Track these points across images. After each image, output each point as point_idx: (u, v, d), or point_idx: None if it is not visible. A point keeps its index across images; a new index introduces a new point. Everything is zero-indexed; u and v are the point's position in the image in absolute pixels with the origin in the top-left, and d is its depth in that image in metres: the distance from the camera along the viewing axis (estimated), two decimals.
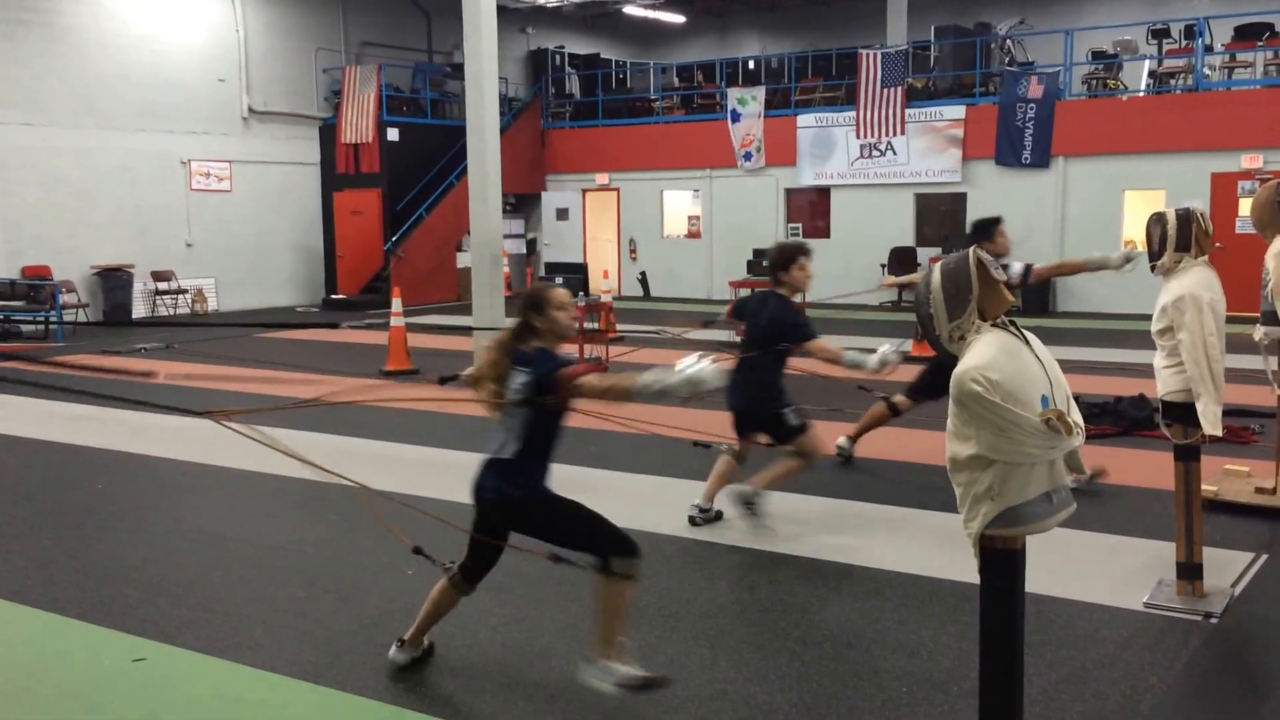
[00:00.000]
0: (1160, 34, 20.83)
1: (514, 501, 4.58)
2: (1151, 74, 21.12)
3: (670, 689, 4.75)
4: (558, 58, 28.51)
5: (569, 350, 10.74)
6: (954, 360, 3.45)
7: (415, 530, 5.49)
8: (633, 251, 25.92)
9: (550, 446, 4.63)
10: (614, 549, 4.46)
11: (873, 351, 6.64)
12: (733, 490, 7.12)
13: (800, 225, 23.73)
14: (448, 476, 8.35)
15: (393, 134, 23.80)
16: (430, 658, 5.05)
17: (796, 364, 7.17)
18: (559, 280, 12.89)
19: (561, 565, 4.66)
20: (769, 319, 6.92)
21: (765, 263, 7.12)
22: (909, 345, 6.75)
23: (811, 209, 23.79)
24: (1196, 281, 5.48)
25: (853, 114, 22.32)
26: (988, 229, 8.21)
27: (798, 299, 7.19)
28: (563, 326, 4.61)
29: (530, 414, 4.49)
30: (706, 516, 7.21)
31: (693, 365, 4.14)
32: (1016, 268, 7.94)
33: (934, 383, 7.37)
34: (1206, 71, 20.41)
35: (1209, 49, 20.33)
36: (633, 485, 8.24)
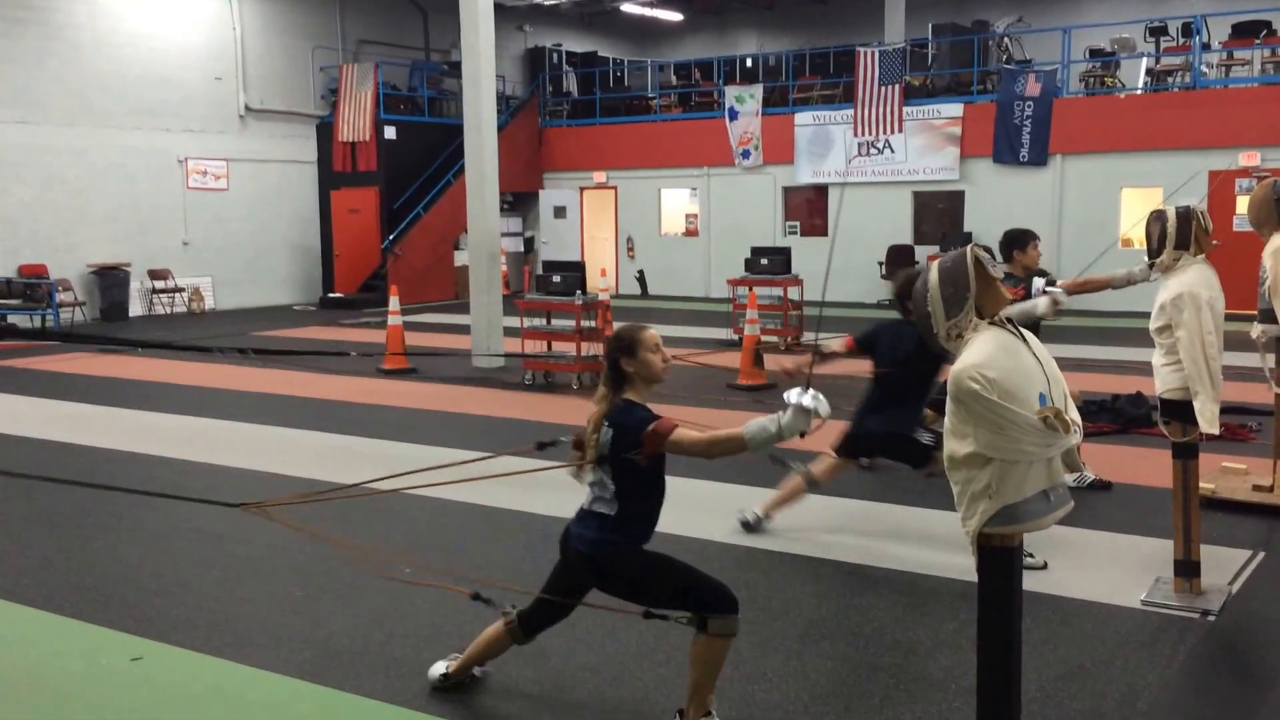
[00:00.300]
0: (1158, 32, 20.84)
1: (605, 557, 4.33)
2: (1149, 72, 21.13)
3: (668, 686, 4.75)
4: (555, 56, 28.51)
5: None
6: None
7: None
8: (630, 250, 25.91)
9: (644, 503, 4.38)
10: (712, 607, 4.24)
11: None
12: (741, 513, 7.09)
13: (798, 223, 23.76)
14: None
15: (390, 132, 23.78)
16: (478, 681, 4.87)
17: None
18: (555, 279, 12.88)
19: (654, 619, 4.39)
20: (911, 348, 6.35)
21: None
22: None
23: (809, 207, 23.80)
24: (1195, 279, 5.49)
25: (850, 112, 22.33)
26: (1023, 242, 7.80)
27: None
28: (656, 370, 4.33)
29: (620, 471, 4.27)
30: (757, 528, 6.99)
31: (802, 396, 3.95)
32: (1039, 283, 7.39)
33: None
34: (1204, 69, 20.42)
35: (1206, 47, 20.34)
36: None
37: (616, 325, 4.41)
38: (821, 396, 3.96)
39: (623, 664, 5.02)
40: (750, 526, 7.03)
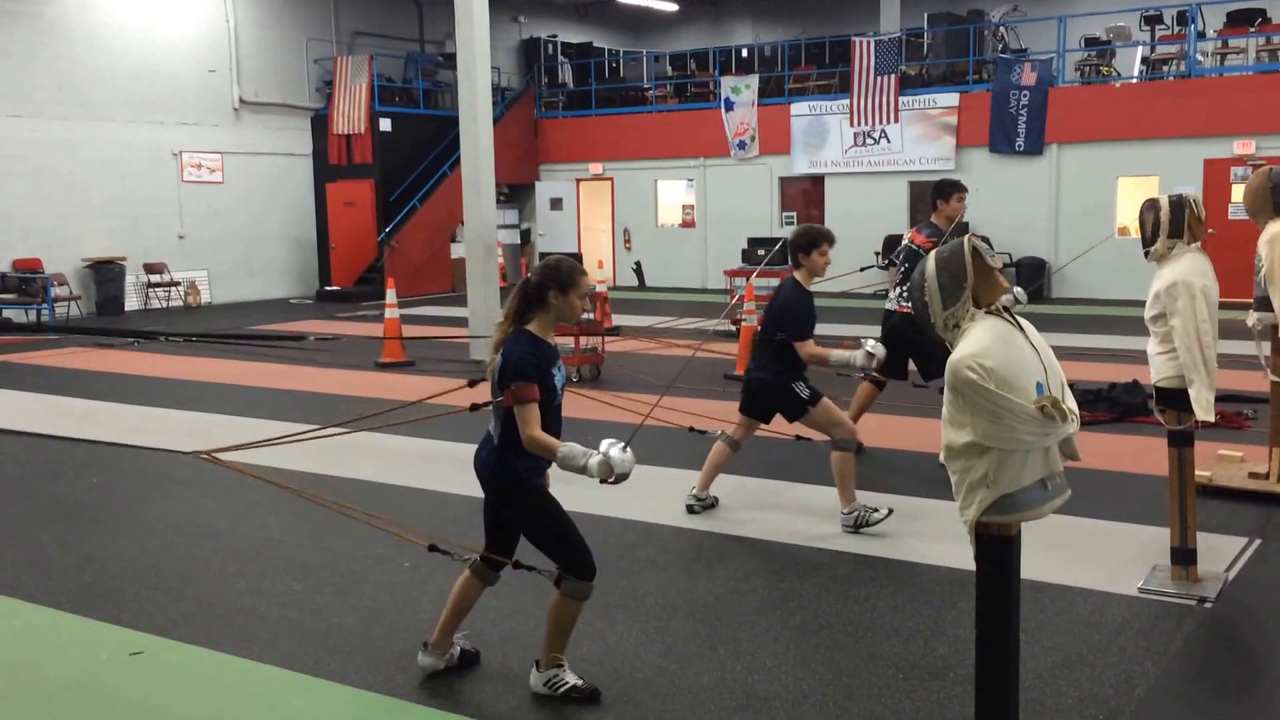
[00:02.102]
0: (1153, 20, 20.84)
1: (498, 486, 4.57)
2: (1144, 60, 21.14)
3: (668, 677, 4.76)
4: (550, 47, 28.47)
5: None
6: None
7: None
8: (627, 241, 25.90)
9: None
10: (573, 568, 4.47)
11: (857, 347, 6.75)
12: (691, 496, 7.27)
13: (795, 213, 23.75)
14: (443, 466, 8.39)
15: (385, 124, 23.75)
16: (476, 664, 4.94)
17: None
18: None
19: (522, 570, 4.65)
20: (779, 305, 6.94)
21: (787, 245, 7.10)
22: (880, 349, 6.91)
23: (805, 197, 23.80)
24: (1189, 268, 5.49)
25: (846, 102, 22.32)
26: (947, 192, 8.56)
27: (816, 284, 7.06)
28: (575, 314, 4.56)
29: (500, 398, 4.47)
30: (704, 504, 7.26)
31: (612, 448, 4.23)
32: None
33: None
34: (1199, 58, 20.42)
35: (1201, 35, 20.35)
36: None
37: (555, 257, 4.66)
38: (630, 453, 4.24)
39: (623, 656, 5.03)
40: (694, 509, 7.24)
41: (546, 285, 4.48)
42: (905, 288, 8.22)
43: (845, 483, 6.84)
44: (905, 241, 8.96)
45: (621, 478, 4.23)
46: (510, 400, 4.34)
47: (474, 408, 4.82)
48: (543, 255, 14.98)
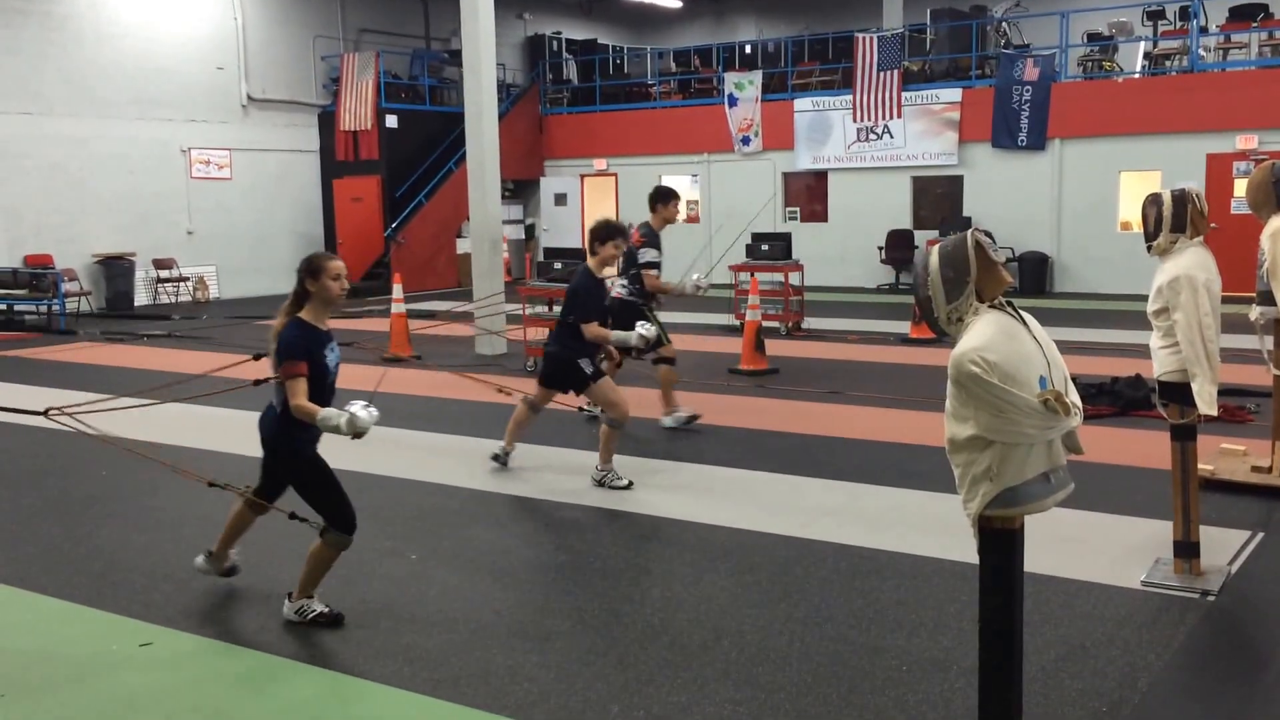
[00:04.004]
0: (1155, 16, 20.83)
1: (273, 447, 5.41)
2: (1147, 56, 21.12)
3: (674, 670, 4.80)
4: (555, 43, 28.48)
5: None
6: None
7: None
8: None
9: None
10: (335, 521, 5.31)
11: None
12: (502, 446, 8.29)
13: (798, 209, 23.78)
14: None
15: (391, 121, 23.78)
16: (237, 573, 5.97)
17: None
18: (556, 265, 12.94)
19: (296, 521, 5.43)
20: (570, 290, 7.90)
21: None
22: (652, 329, 8.22)
23: (809, 193, 23.81)
24: (1192, 262, 5.51)
25: (849, 98, 22.33)
26: (666, 198, 9.65)
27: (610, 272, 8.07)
28: (333, 296, 5.32)
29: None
30: (507, 456, 8.26)
31: (358, 407, 4.95)
32: (647, 255, 9.56)
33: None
34: (1201, 53, 20.41)
35: (1204, 30, 20.33)
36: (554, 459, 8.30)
37: (314, 253, 5.67)
38: (373, 413, 4.98)
39: (627, 647, 5.07)
40: (499, 457, 8.27)
41: (302, 277, 5.34)
42: (624, 280, 9.47)
43: (607, 448, 7.79)
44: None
45: (363, 433, 4.95)
46: (283, 375, 5.12)
47: (256, 383, 5.94)
48: (547, 251, 15.05)
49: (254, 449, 5.58)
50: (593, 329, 7.67)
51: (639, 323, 8.14)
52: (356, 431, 4.94)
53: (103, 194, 20.98)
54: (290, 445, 5.34)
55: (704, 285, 9.88)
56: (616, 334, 7.92)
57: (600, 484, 7.76)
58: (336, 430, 4.95)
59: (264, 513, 5.72)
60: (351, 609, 5.58)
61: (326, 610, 5.38)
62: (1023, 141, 20.91)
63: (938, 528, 6.69)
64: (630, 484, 7.75)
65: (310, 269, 5.32)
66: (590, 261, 7.80)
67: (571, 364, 7.73)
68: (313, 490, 5.36)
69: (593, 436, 8.37)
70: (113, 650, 5.21)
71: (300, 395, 5.06)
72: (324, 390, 5.20)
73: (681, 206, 9.57)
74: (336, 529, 5.30)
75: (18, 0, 19.66)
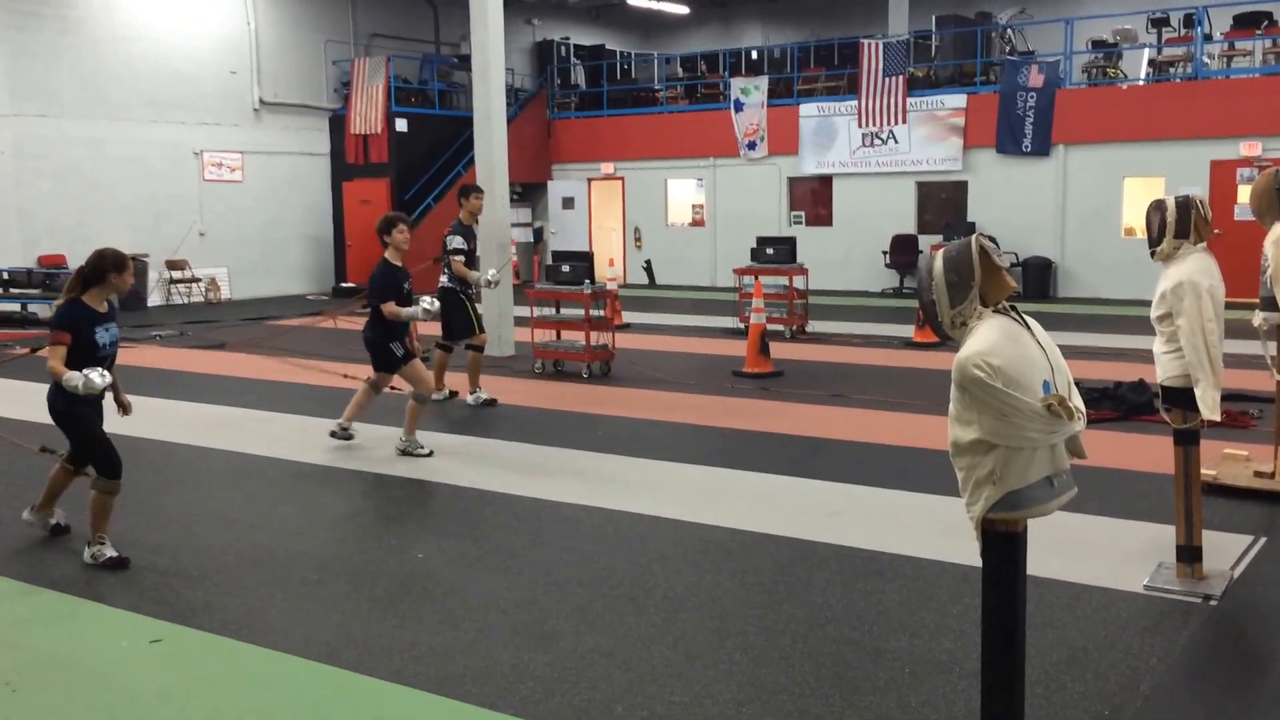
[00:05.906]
0: (1160, 23, 20.86)
1: (52, 410, 6.26)
2: (1151, 62, 21.15)
3: (677, 671, 4.83)
4: (563, 49, 28.54)
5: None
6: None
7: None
8: (638, 240, 25.96)
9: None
10: (101, 469, 6.29)
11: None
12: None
13: (803, 213, 23.82)
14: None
15: (401, 125, 23.88)
16: (67, 533, 6.84)
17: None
18: (564, 268, 12.99)
19: (46, 455, 6.85)
20: (370, 278, 9.01)
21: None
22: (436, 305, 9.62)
23: (814, 197, 23.85)
24: (1195, 268, 5.52)
25: (854, 103, 22.36)
26: (467, 193, 11.61)
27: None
28: (122, 290, 6.25)
29: None
30: (346, 433, 9.11)
31: (94, 375, 5.88)
32: (454, 241, 11.71)
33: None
34: (1206, 60, 20.43)
35: (1208, 37, 20.36)
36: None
37: (110, 249, 6.34)
38: (104, 378, 5.92)
39: (631, 648, 5.10)
40: (336, 434, 9.13)
41: (105, 270, 6.11)
42: (446, 274, 11.50)
43: (412, 421, 8.85)
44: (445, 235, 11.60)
45: (93, 392, 5.89)
46: (50, 342, 6.01)
47: (33, 350, 7.40)
48: (554, 254, 15.08)
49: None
50: (389, 308, 8.65)
51: (422, 297, 9.18)
52: (90, 392, 5.87)
53: (116, 195, 21.10)
54: (63, 408, 6.20)
55: (495, 279, 11.82)
56: (406, 310, 8.77)
57: (405, 453, 8.76)
58: (75, 390, 5.86)
59: (79, 473, 6.60)
60: (355, 608, 5.63)
61: (115, 555, 6.25)
62: (1027, 147, 20.94)
63: (941, 530, 6.71)
64: (431, 452, 8.77)
65: (117, 263, 6.18)
66: (386, 253, 8.87)
67: (382, 346, 8.80)
68: (81, 443, 6.37)
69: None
70: (123, 647, 5.24)
71: (55, 360, 5.97)
72: (94, 362, 6.04)
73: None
74: (104, 475, 6.28)
75: (34, 4, 19.79)
